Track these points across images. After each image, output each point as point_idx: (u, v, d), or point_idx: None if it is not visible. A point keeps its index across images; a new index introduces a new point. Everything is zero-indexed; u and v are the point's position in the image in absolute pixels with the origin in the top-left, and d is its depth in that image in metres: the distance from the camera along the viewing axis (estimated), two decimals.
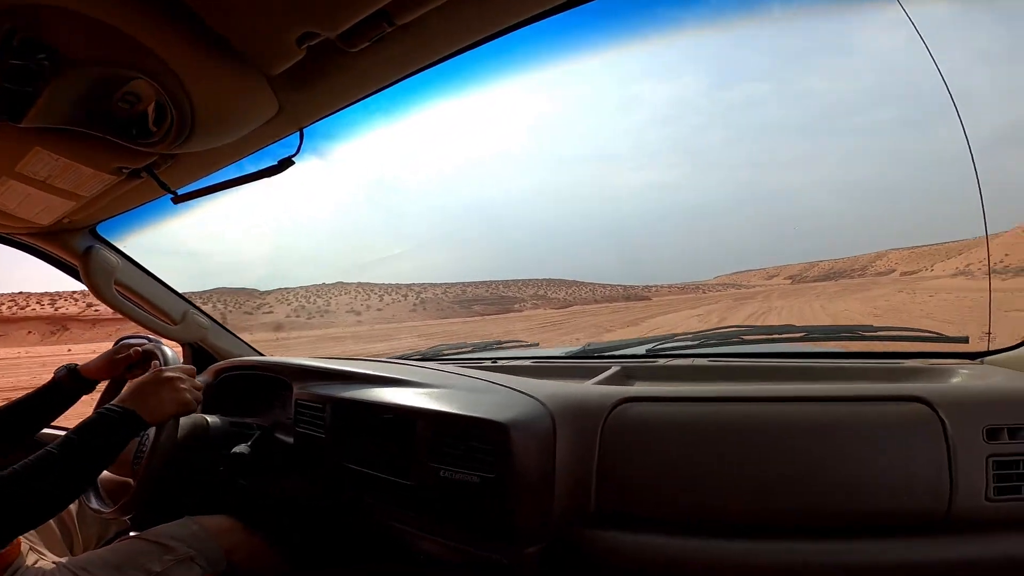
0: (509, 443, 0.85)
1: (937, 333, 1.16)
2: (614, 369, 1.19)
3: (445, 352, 1.74)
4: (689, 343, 1.36)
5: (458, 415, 0.93)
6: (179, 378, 0.98)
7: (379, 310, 49.20)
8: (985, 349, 1.06)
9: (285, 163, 0.96)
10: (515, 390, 0.98)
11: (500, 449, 0.86)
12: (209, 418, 1.25)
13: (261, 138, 0.97)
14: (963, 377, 0.99)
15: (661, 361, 1.26)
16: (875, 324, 1.27)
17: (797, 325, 1.36)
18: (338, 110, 0.90)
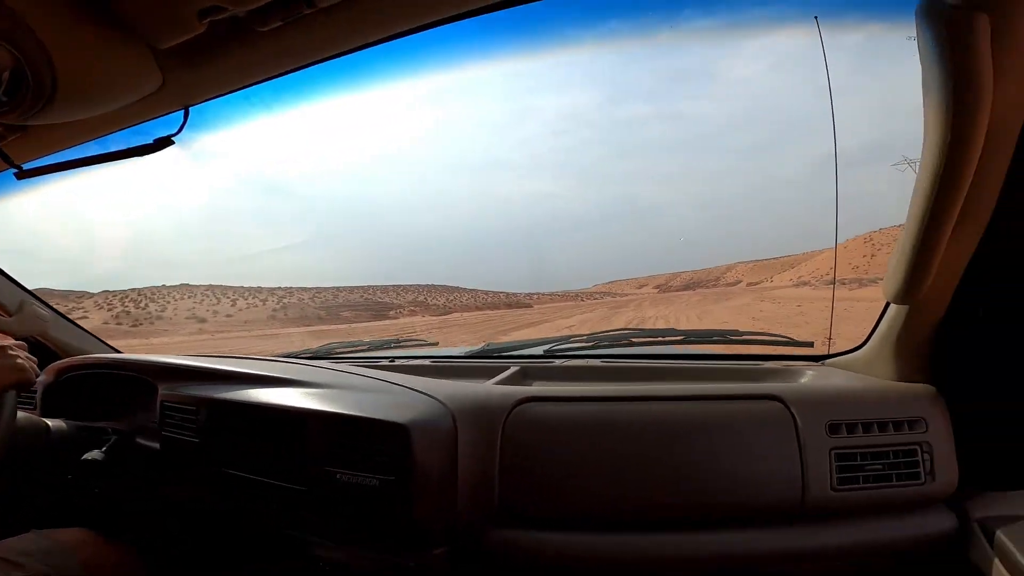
0: (410, 444, 0.86)
1: (789, 338, 1.31)
2: (513, 369, 1.25)
3: (338, 350, 1.69)
4: (584, 344, 1.44)
5: (354, 416, 0.91)
6: (8, 345, 0.89)
7: (229, 316, 42.34)
8: (827, 352, 1.22)
9: (163, 142, 0.90)
10: (414, 390, 0.99)
11: (400, 451, 0.86)
12: (50, 422, 1.11)
13: (137, 114, 0.91)
14: (809, 377, 1.13)
15: (558, 362, 1.33)
16: (741, 329, 1.39)
17: (678, 328, 1.75)
18: (235, 90, 0.86)
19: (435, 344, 1.86)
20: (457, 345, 1.63)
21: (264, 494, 0.98)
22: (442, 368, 1.39)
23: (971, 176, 0.67)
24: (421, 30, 0.72)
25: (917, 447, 0.91)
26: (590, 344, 1.45)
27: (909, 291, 0.83)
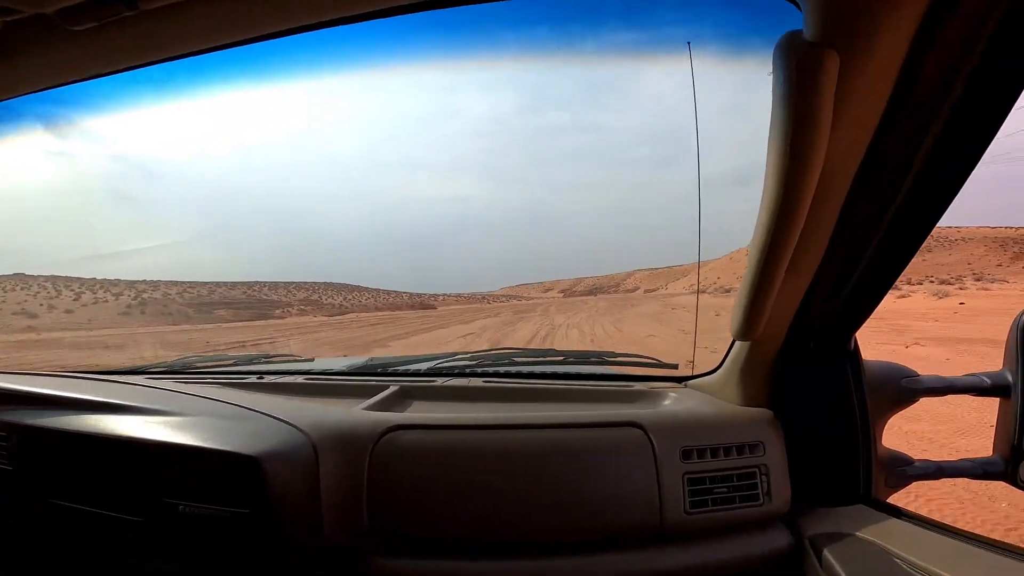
0: (263, 476, 0.83)
1: (657, 360, 1.41)
2: (392, 389, 1.21)
3: (198, 365, 1.54)
4: (467, 363, 1.44)
5: (199, 448, 0.87)
6: None
7: (68, 312, 35.28)
8: (689, 374, 1.28)
9: None
10: (272, 417, 0.94)
11: (252, 483, 0.83)
12: None
13: None
14: (671, 400, 1.17)
15: (440, 381, 1.31)
16: (616, 351, 1.47)
17: (558, 349, 1.77)
18: (44, 89, 0.83)
19: (311, 360, 1.62)
20: (355, 356, 1.62)
21: (99, 525, 0.93)
22: (316, 386, 1.30)
23: (802, 222, 0.67)
24: (316, 28, 0.70)
25: (756, 469, 0.95)
26: (473, 363, 1.44)
27: (748, 329, 0.86)
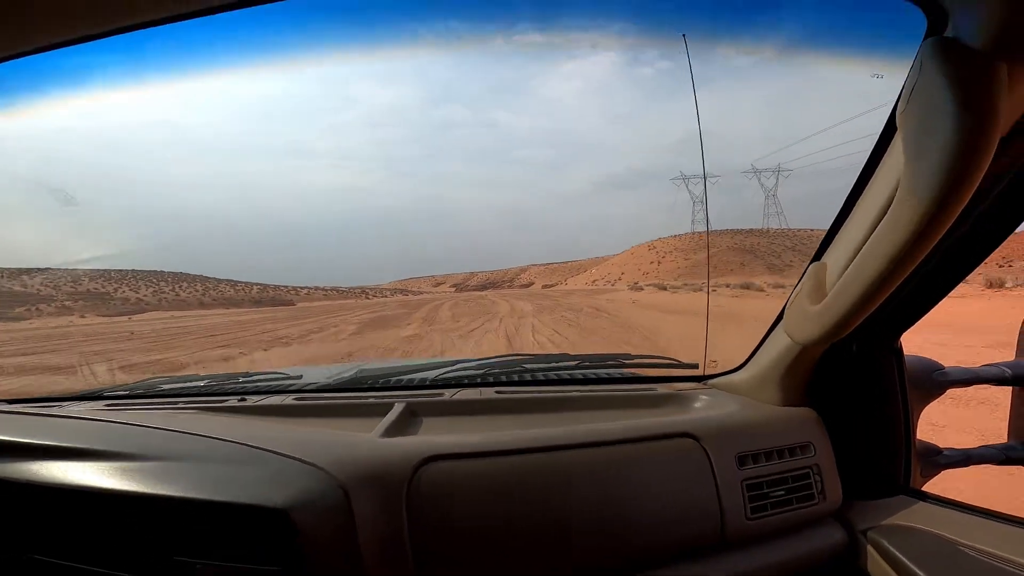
0: (294, 529, 0.73)
1: (676, 360, 1.35)
2: (399, 408, 1.09)
3: (163, 388, 1.34)
4: (474, 372, 1.34)
5: (203, 501, 0.76)
6: None
7: None
8: (709, 373, 1.27)
9: None
10: (285, 456, 0.82)
11: (280, 540, 0.74)
12: None
13: None
14: (704, 403, 1.15)
15: (447, 393, 1.21)
16: (631, 352, 1.42)
17: (571, 354, 1.50)
18: None
19: (299, 377, 1.42)
20: (340, 363, 1.41)
21: None
22: (310, 407, 1.15)
23: (944, 231, 0.64)
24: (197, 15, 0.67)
25: (809, 470, 0.97)
26: (480, 371, 1.34)
27: (825, 341, 0.88)
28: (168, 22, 0.64)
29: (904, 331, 0.95)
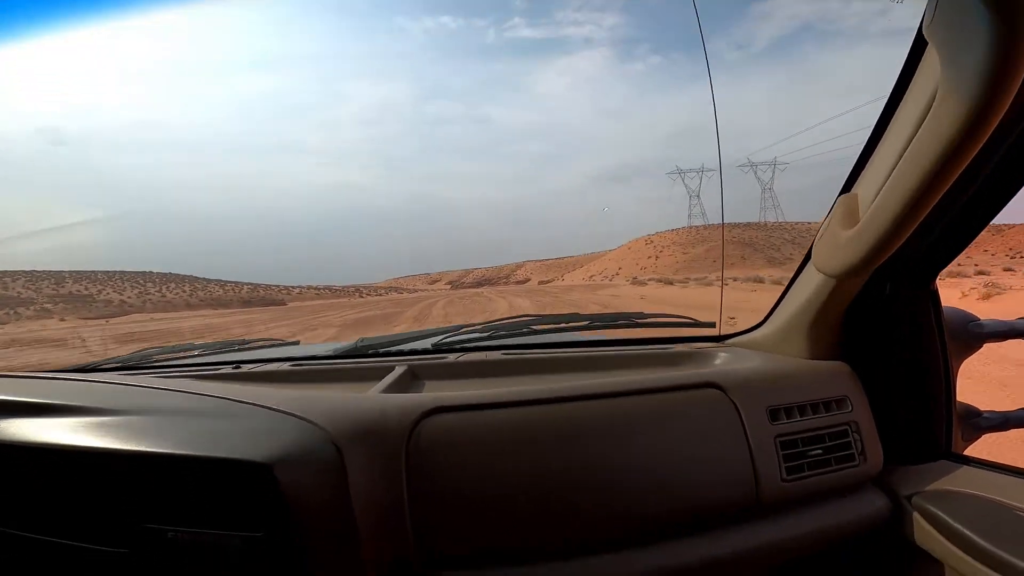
0: (278, 490, 0.66)
1: (692, 319, 1.27)
2: (400, 370, 1.04)
3: (158, 357, 1.29)
4: (478, 335, 1.27)
5: (183, 457, 0.68)
6: None
7: None
8: (726, 332, 1.20)
9: None
10: (275, 410, 0.75)
11: (264, 499, 0.66)
12: None
13: None
14: (724, 360, 1.08)
15: (451, 357, 1.15)
16: (644, 311, 1.32)
17: (581, 313, 1.42)
18: None
19: (296, 343, 1.44)
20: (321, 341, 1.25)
21: (67, 560, 0.71)
22: (308, 372, 1.11)
23: (984, 138, 0.62)
24: None
25: (847, 427, 0.89)
26: (485, 334, 1.26)
27: (861, 268, 0.81)
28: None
29: (941, 268, 0.87)
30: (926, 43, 0.63)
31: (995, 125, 0.59)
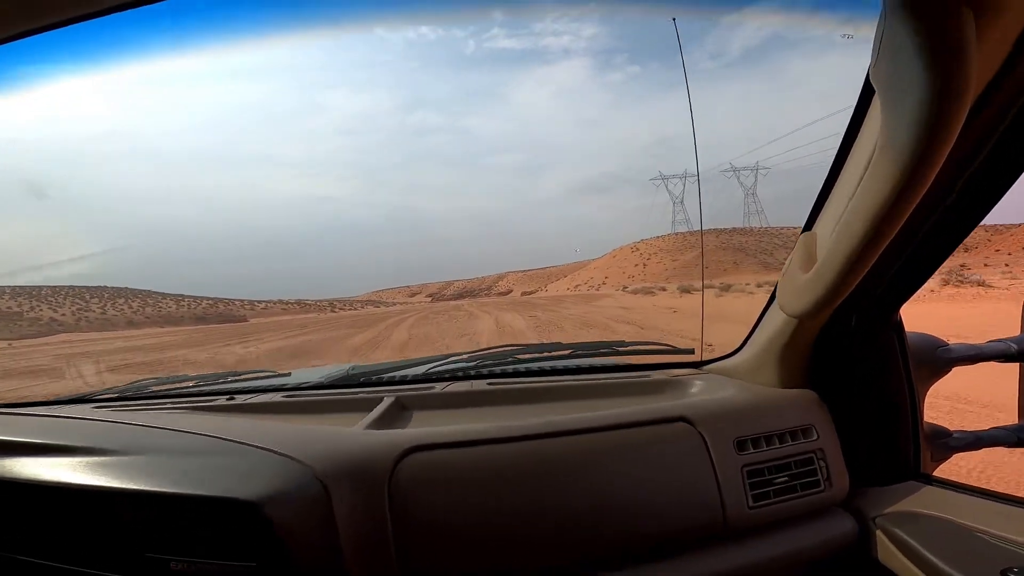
0: (268, 525, 0.71)
1: (671, 346, 1.34)
2: (388, 402, 1.08)
3: (154, 388, 1.35)
4: (465, 364, 1.34)
5: (179, 496, 0.74)
6: None
7: None
8: (705, 359, 1.23)
9: None
10: (264, 449, 0.80)
11: (255, 533, 0.72)
12: None
13: None
14: (700, 388, 1.12)
15: (438, 387, 1.20)
16: (625, 340, 1.41)
17: (563, 343, 1.47)
18: None
19: (287, 374, 1.44)
20: (332, 365, 1.39)
21: None
22: (297, 404, 1.16)
23: (918, 200, 0.63)
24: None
25: (813, 455, 0.93)
26: (471, 364, 1.33)
27: (818, 311, 0.84)
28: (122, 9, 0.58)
29: (901, 304, 0.92)
30: None
31: (933, 175, 0.58)
